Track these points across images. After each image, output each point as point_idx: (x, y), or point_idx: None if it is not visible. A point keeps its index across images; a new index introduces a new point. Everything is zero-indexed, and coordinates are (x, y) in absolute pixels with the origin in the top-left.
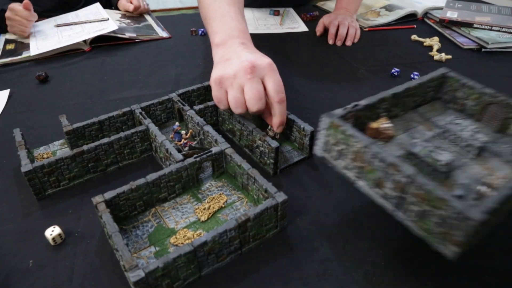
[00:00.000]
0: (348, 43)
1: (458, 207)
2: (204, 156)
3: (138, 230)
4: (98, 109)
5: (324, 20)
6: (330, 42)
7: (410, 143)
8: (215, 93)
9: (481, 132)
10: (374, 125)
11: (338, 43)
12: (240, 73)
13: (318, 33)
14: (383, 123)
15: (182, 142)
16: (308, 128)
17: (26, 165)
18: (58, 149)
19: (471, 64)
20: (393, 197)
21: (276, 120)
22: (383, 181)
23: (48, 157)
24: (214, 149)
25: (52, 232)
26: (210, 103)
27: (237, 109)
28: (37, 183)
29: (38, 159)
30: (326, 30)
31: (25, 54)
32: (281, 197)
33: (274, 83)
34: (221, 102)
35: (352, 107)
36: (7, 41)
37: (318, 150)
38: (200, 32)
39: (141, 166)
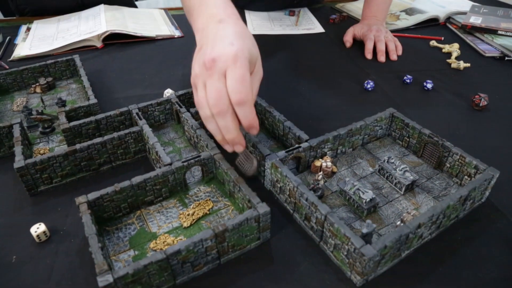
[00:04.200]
0: (394, 57)
1: (356, 244)
2: (193, 160)
3: (120, 232)
4: (102, 107)
5: (355, 32)
6: (369, 57)
7: (342, 181)
8: (194, 97)
9: (409, 172)
10: (317, 163)
11: (382, 59)
12: (201, 69)
13: (348, 44)
14: (325, 162)
15: None
16: (304, 136)
17: (18, 161)
18: (56, 146)
19: (492, 73)
20: (316, 230)
21: (242, 123)
22: (310, 216)
23: (44, 153)
24: (203, 154)
25: (37, 229)
26: None
27: (200, 110)
28: (29, 179)
29: (36, 154)
30: (356, 41)
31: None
32: (263, 208)
33: (233, 80)
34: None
35: (294, 149)
36: None
37: (266, 184)
38: None
39: (134, 167)
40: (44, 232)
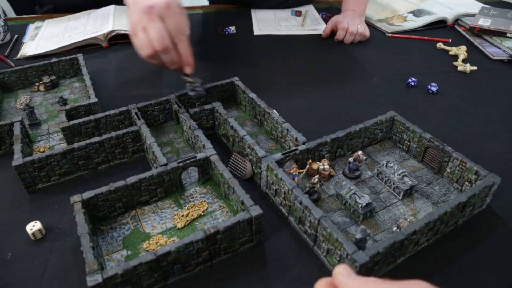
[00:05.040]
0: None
1: (349, 250)
2: (188, 161)
3: (114, 231)
4: (105, 106)
5: (333, 22)
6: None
7: (339, 185)
8: (134, 42)
9: (407, 176)
10: (314, 166)
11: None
12: (140, 16)
13: (324, 34)
14: (322, 165)
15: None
16: (301, 138)
17: (17, 159)
18: (57, 144)
19: (499, 77)
20: (310, 234)
21: (183, 59)
22: (304, 219)
23: (44, 151)
24: (199, 155)
25: (33, 227)
26: (206, 107)
27: (143, 50)
28: (28, 177)
29: (36, 152)
30: (333, 33)
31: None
32: (255, 211)
33: (173, 20)
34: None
35: (290, 151)
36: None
37: (262, 186)
38: (226, 30)
39: (132, 166)
40: (39, 230)
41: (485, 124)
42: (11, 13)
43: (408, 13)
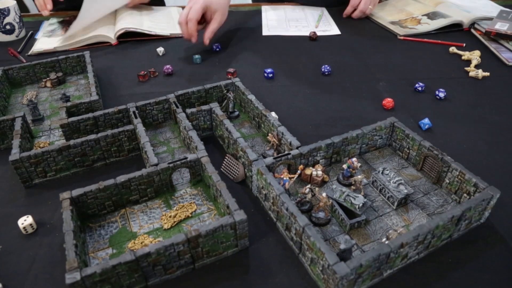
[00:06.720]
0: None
1: (330, 261)
2: (179, 162)
3: (102, 229)
4: (107, 103)
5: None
6: (344, 16)
7: (330, 189)
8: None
9: (403, 185)
10: (307, 171)
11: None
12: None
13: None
14: (315, 170)
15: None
16: (295, 143)
17: (14, 154)
18: (57, 140)
19: None
20: (296, 241)
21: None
22: (290, 226)
23: (44, 147)
24: (190, 156)
25: (24, 221)
26: (204, 107)
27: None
28: (24, 172)
29: (36, 147)
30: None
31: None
32: (239, 215)
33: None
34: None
35: (282, 155)
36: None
37: (254, 190)
38: (215, 48)
39: (127, 165)
40: (30, 224)
41: (493, 133)
42: (34, 10)
43: (423, 15)
